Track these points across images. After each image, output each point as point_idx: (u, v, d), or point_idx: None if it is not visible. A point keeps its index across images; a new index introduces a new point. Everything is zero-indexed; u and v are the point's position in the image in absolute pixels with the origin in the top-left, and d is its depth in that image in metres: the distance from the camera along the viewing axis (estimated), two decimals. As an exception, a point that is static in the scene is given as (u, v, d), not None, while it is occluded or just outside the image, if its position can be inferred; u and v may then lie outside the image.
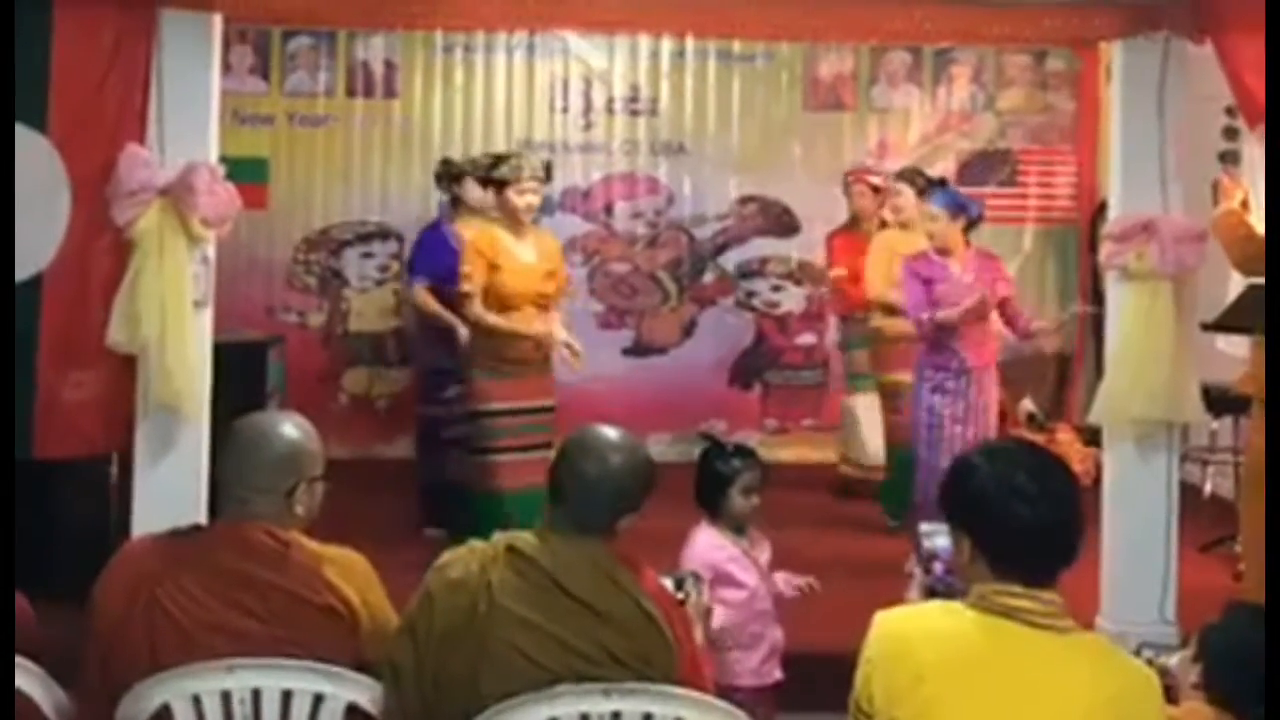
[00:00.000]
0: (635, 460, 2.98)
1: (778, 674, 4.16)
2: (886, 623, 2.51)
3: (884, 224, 7.23)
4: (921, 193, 6.77)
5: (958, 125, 9.00)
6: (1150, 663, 2.84)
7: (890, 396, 6.88)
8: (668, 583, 3.23)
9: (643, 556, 2.96)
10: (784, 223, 8.87)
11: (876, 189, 7.36)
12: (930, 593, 3.17)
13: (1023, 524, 2.44)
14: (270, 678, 2.76)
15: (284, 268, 8.76)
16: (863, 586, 5.27)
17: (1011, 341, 8.58)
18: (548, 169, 6.06)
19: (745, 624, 4.04)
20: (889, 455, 7.00)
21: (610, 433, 3.01)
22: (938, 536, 3.10)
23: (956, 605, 2.52)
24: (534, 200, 5.77)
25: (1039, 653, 2.40)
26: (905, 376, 6.51)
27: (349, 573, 2.96)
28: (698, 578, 3.48)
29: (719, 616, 3.90)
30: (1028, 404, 8.06)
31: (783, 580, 4.18)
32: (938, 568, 3.19)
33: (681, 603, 3.23)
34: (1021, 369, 8.74)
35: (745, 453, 4.19)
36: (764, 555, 4.21)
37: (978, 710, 2.36)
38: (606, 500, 2.92)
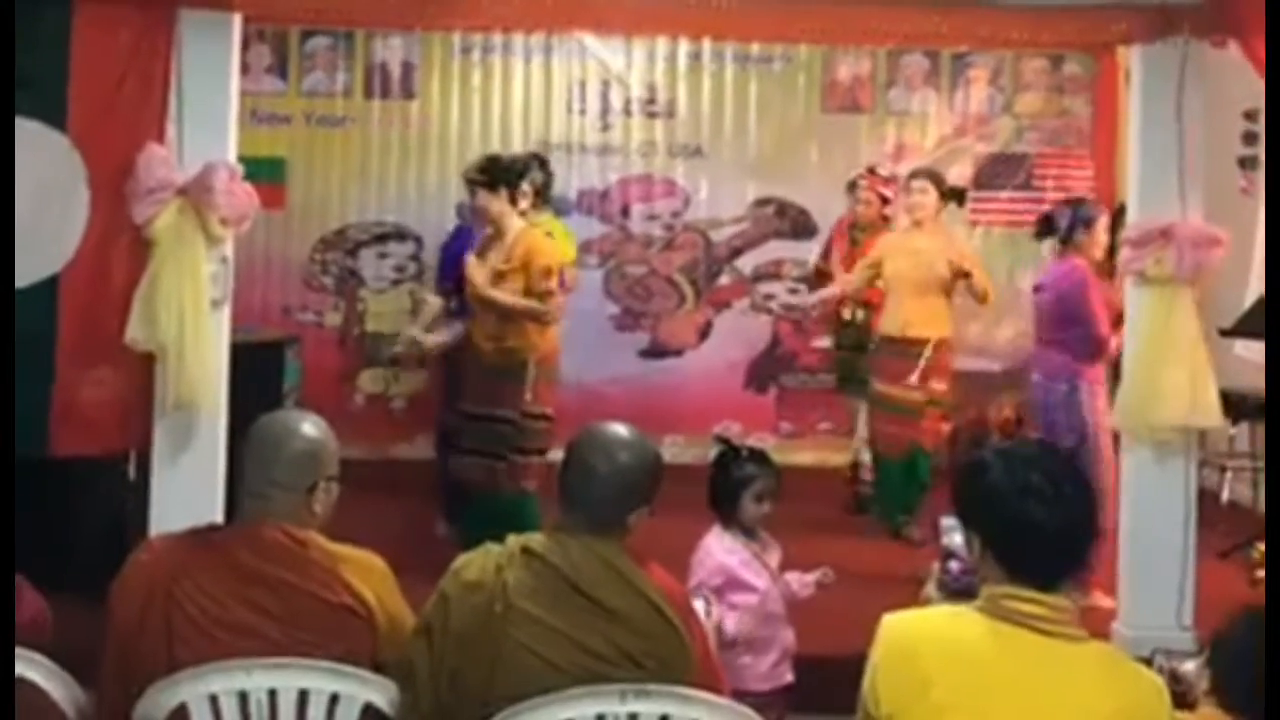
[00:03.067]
0: (643, 454, 2.98)
1: (789, 677, 4.15)
2: (893, 627, 2.50)
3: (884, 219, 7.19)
4: (943, 196, 6.77)
5: (975, 129, 8.97)
6: (1161, 670, 2.84)
7: (890, 408, 6.79)
8: None
9: (655, 559, 2.96)
10: (800, 225, 8.85)
11: (885, 199, 7.31)
12: (946, 590, 3.16)
13: (1035, 523, 2.42)
14: (287, 678, 2.77)
15: (301, 267, 8.76)
16: (877, 589, 5.29)
17: (1026, 346, 8.63)
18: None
19: (757, 628, 4.03)
20: (883, 468, 6.92)
21: (617, 428, 3.01)
22: (955, 534, 3.08)
23: (965, 609, 2.50)
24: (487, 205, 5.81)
25: (1049, 662, 2.38)
26: (908, 393, 6.53)
27: (366, 573, 2.96)
28: (706, 598, 3.47)
29: (731, 621, 3.90)
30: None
31: (797, 581, 4.17)
32: (954, 566, 3.17)
33: None
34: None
35: (760, 458, 4.17)
36: (775, 558, 4.19)
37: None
38: (617, 496, 2.92)
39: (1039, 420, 5.82)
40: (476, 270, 5.75)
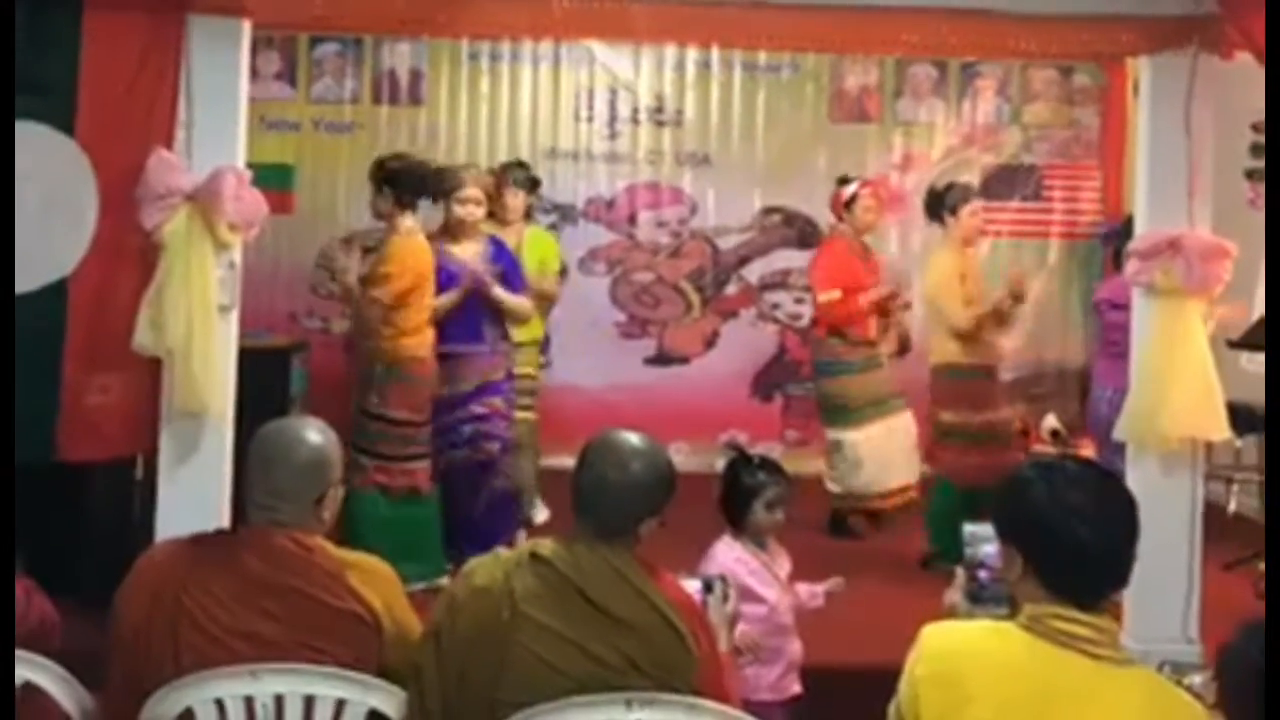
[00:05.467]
0: (656, 464, 2.99)
1: (796, 688, 4.15)
2: (936, 641, 2.45)
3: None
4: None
5: (982, 139, 8.99)
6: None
7: (963, 436, 6.55)
8: (695, 584, 3.23)
9: (660, 566, 2.96)
10: (807, 234, 8.85)
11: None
12: (975, 599, 3.14)
13: (1080, 544, 2.40)
14: (293, 683, 2.77)
15: (309, 274, 8.78)
16: (882, 599, 5.29)
17: (1033, 356, 8.65)
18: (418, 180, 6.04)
19: (765, 638, 4.02)
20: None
21: (630, 437, 3.02)
22: (984, 544, 3.07)
23: (1008, 626, 2.46)
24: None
25: (1096, 686, 2.35)
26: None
27: (372, 579, 2.97)
28: (725, 581, 3.45)
29: (739, 630, 3.89)
30: (1051, 420, 8.02)
31: (807, 592, 4.17)
32: (983, 575, 3.15)
33: (705, 605, 3.21)
34: (1045, 384, 8.74)
35: (771, 466, 4.18)
36: (784, 569, 4.19)
37: None
38: (628, 505, 2.92)
39: (1102, 433, 5.77)
40: (349, 267, 5.95)
